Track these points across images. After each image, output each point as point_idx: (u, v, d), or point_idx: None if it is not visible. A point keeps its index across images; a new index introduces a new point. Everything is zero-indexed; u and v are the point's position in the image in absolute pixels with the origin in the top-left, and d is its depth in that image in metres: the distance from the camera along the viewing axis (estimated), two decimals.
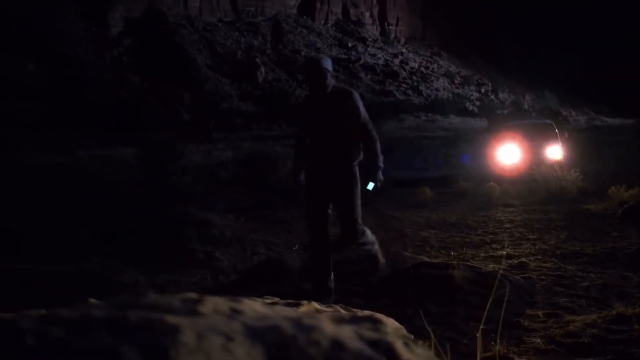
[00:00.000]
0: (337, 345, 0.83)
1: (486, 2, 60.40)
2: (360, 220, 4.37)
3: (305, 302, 1.44)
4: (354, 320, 1.01)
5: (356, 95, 4.32)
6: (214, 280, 5.02)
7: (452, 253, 5.45)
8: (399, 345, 0.89)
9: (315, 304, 1.49)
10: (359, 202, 4.31)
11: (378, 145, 4.33)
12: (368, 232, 4.58)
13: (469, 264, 4.66)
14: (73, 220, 5.98)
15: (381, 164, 4.29)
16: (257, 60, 45.84)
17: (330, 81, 4.25)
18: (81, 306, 0.88)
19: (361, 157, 4.35)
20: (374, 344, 0.87)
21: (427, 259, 5.17)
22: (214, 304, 0.90)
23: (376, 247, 4.72)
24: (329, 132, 4.23)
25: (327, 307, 1.71)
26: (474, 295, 4.01)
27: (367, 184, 4.21)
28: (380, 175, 4.30)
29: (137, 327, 0.78)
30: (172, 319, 0.79)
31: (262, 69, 45.22)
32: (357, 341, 0.86)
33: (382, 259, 4.77)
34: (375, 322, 0.99)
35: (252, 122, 36.38)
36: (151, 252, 5.64)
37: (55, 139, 18.37)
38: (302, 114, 4.57)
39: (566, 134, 15.67)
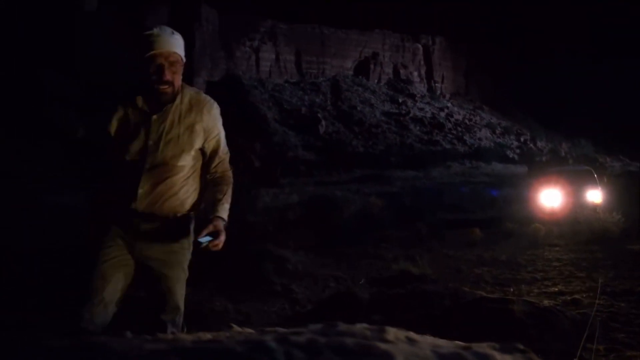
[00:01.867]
0: None
1: (522, 62, 59.74)
2: (182, 308, 2.43)
3: (395, 329, 1.42)
4: (505, 349, 0.99)
5: (218, 110, 2.45)
6: (292, 310, 5.01)
7: (511, 289, 5.27)
8: None
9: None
10: (185, 278, 2.44)
11: (231, 192, 2.50)
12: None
13: (526, 299, 4.48)
14: None
15: (226, 217, 2.40)
16: (319, 115, 46.55)
17: (179, 81, 2.33)
18: (306, 331, 0.90)
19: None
20: None
21: (484, 294, 5.02)
22: (394, 332, 0.90)
23: None
24: (164, 167, 2.32)
25: (421, 337, 1.67)
26: (534, 329, 3.85)
27: (201, 235, 2.31)
28: (224, 231, 2.34)
29: (357, 352, 0.79)
30: (382, 345, 0.80)
31: (323, 122, 45.86)
32: None
33: None
34: (524, 352, 0.97)
35: (314, 169, 36.68)
36: (236, 283, 5.70)
37: None
38: (115, 130, 2.37)
39: (605, 179, 15.12)
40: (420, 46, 58.49)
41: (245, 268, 6.30)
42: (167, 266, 2.38)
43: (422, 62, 58.53)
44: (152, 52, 2.22)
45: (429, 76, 58.89)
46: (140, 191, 2.30)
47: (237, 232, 9.23)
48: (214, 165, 2.46)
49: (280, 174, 31.68)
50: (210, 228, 2.32)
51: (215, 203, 2.41)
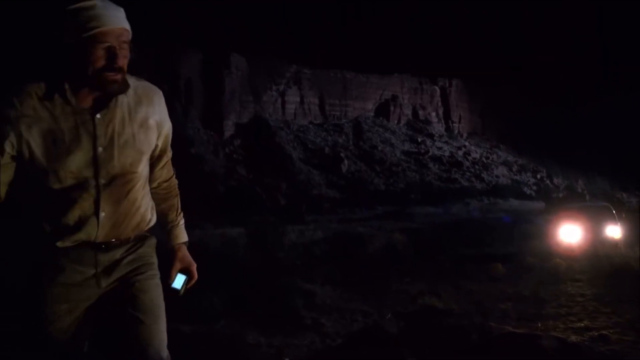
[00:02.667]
0: None
1: (536, 101, 59.60)
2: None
3: None
4: None
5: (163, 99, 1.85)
6: (323, 344, 4.94)
7: (539, 324, 5.12)
8: None
9: None
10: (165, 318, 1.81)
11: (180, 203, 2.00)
12: None
13: (554, 334, 4.35)
14: (204, 288, 6.13)
15: (187, 238, 1.95)
16: (342, 154, 46.81)
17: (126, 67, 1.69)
18: None
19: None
20: None
21: (511, 329, 4.87)
22: None
23: None
24: (123, 178, 1.71)
25: None
26: None
27: (172, 277, 1.85)
28: (192, 260, 1.91)
29: None
30: None
31: (346, 161, 46.07)
32: None
33: None
34: None
35: (338, 206, 36.65)
36: (268, 316, 5.66)
37: None
38: (30, 144, 1.59)
39: (623, 215, 14.76)
40: (437, 88, 58.87)
41: (276, 302, 6.27)
42: (148, 300, 1.73)
43: (439, 104, 58.80)
44: (100, 29, 1.56)
45: (447, 116, 59.04)
46: (102, 215, 1.66)
47: (265, 269, 9.24)
48: (159, 167, 1.87)
49: (305, 212, 31.70)
50: (178, 266, 1.87)
51: (171, 226, 1.91)
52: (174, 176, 1.95)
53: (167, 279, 1.82)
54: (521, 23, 63.00)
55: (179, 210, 1.95)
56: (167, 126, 1.84)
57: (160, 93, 1.81)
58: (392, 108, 55.37)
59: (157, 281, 1.79)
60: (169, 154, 1.90)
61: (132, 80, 1.71)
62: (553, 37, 61.29)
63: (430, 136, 54.52)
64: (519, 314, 6.14)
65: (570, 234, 13.10)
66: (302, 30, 56.43)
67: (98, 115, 1.64)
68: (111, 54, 1.59)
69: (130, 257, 1.76)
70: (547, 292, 7.75)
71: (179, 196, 1.96)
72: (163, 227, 1.90)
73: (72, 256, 1.67)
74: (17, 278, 1.67)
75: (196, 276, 1.88)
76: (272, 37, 53.78)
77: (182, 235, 1.92)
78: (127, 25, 1.64)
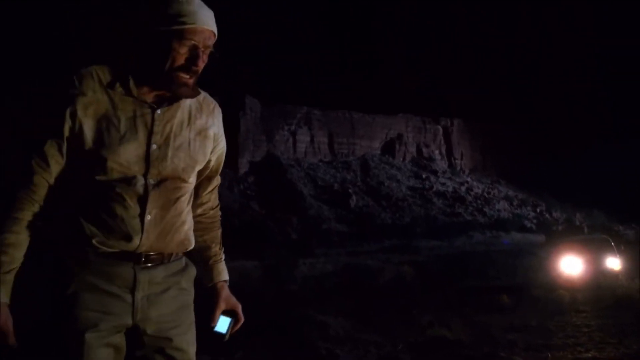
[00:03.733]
0: None
1: (534, 140, 59.72)
2: None
3: None
4: None
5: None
6: None
7: (549, 354, 5.00)
8: None
9: None
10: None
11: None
12: None
13: None
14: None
15: (228, 274, 1.65)
16: (350, 190, 46.88)
17: None
18: None
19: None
20: None
21: (520, 359, 4.77)
22: None
23: None
24: (173, 183, 1.46)
25: None
26: None
27: (215, 320, 1.55)
28: (237, 300, 1.61)
29: None
30: None
31: (354, 197, 46.09)
32: None
33: None
34: None
35: (346, 240, 36.48)
36: (284, 347, 5.58)
37: None
38: (84, 127, 1.38)
39: (622, 247, 14.57)
40: (440, 127, 59.30)
41: (291, 333, 6.19)
42: (181, 331, 1.49)
43: (442, 142, 59.11)
44: (191, 26, 1.40)
45: (449, 154, 59.25)
46: (147, 218, 1.41)
47: (279, 300, 9.15)
48: (209, 190, 1.62)
49: (316, 245, 31.56)
50: (222, 306, 1.57)
51: (214, 261, 1.62)
52: (219, 206, 1.67)
53: (209, 322, 1.54)
54: (519, 63, 63.77)
55: (222, 245, 1.67)
56: (223, 144, 1.62)
57: (220, 109, 1.63)
58: (397, 146, 55.69)
59: (193, 333, 1.53)
60: (219, 179, 1.66)
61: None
62: (550, 75, 61.87)
63: (434, 172, 54.58)
64: (527, 344, 6.00)
65: (571, 265, 12.93)
66: (312, 74, 57.44)
67: (158, 111, 1.45)
68: (193, 54, 1.42)
69: (171, 293, 1.48)
70: (552, 322, 7.58)
71: (217, 222, 1.67)
72: (203, 262, 1.62)
73: (108, 272, 1.39)
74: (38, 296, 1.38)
75: (242, 318, 1.59)
76: (284, 81, 54.73)
77: (225, 273, 1.63)
78: (215, 30, 1.46)
